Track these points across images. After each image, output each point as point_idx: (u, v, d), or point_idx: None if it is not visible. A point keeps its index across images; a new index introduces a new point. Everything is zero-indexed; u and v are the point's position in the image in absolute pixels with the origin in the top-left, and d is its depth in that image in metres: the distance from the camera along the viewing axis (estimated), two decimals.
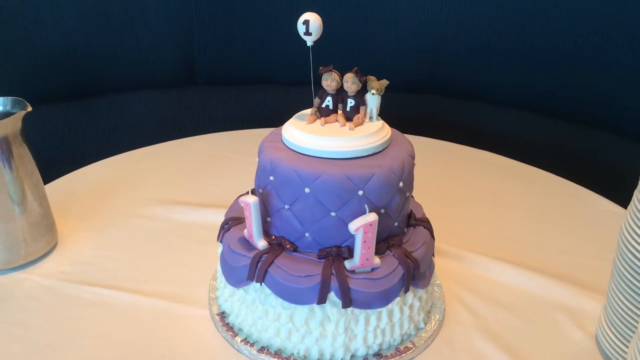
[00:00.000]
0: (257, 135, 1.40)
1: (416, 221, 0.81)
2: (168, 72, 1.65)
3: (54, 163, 1.44)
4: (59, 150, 1.48)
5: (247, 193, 0.85)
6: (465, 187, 1.20)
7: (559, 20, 1.43)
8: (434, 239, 0.81)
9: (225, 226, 0.80)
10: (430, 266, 0.80)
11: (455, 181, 1.22)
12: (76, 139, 1.51)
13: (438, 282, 0.89)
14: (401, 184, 0.73)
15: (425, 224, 0.81)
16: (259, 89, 1.70)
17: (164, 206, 1.08)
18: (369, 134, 0.73)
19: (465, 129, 1.61)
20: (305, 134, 0.73)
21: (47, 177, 1.09)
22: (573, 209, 1.13)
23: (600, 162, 1.47)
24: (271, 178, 0.73)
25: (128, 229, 1.01)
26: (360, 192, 0.70)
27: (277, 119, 1.65)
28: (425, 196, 0.91)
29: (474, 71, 1.59)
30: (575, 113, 1.51)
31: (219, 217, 1.00)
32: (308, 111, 0.78)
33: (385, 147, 0.75)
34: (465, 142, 1.43)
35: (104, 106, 1.57)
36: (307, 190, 0.70)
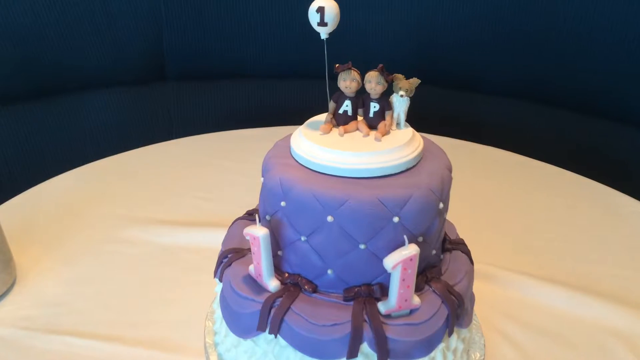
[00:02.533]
0: (243, 137, 1.27)
1: (452, 245, 0.68)
2: (134, 67, 1.49)
3: (9, 176, 1.27)
4: (14, 160, 1.31)
5: (249, 217, 0.72)
6: (476, 190, 1.08)
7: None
8: (473, 264, 0.69)
9: (224, 260, 0.66)
10: (472, 299, 0.67)
11: (463, 183, 1.09)
12: (33, 147, 1.34)
13: None
14: (441, 205, 0.60)
15: (462, 247, 0.69)
16: (236, 83, 1.55)
17: (143, 227, 0.93)
18: (400, 145, 0.60)
19: (461, 121, 1.50)
20: (323, 148, 0.59)
21: (1, 194, 0.93)
22: (598, 211, 1.02)
23: (607, 154, 1.38)
24: (282, 204, 0.59)
25: (102, 258, 0.86)
26: (396, 219, 0.57)
27: (260, 118, 1.52)
28: None
29: (470, 59, 1.47)
30: (580, 102, 1.41)
31: (208, 238, 0.88)
32: (321, 117, 0.65)
33: (419, 161, 0.62)
34: (462, 135, 1.31)
35: (63, 107, 1.40)
36: (329, 218, 0.57)
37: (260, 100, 1.52)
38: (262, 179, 0.63)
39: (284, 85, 1.51)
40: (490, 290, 0.82)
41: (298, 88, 1.55)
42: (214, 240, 0.76)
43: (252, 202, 0.72)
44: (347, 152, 0.59)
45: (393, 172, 0.59)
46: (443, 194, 0.60)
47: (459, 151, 1.22)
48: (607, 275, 0.86)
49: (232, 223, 0.72)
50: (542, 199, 1.05)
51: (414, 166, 0.61)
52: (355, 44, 1.47)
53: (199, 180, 1.07)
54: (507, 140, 1.39)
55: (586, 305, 0.80)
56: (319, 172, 0.59)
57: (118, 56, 1.45)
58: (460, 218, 0.77)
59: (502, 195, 1.06)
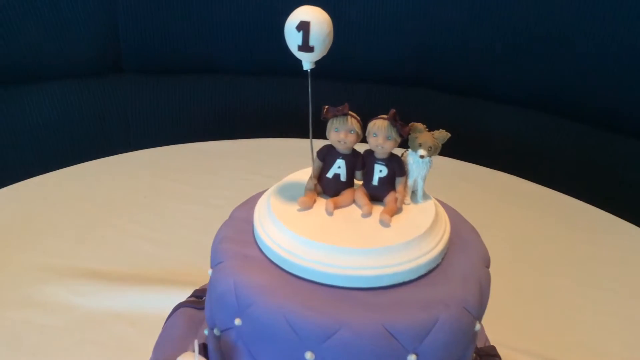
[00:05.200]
0: (206, 153, 1.03)
1: (480, 358, 0.48)
2: (83, 56, 1.28)
3: None
4: None
5: (195, 305, 0.51)
6: (484, 235, 0.88)
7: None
8: None
9: None
10: None
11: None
12: None
13: None
14: (477, 327, 0.40)
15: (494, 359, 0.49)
16: (205, 79, 1.35)
17: (67, 282, 0.71)
18: (419, 235, 0.39)
19: (462, 131, 1.31)
20: (301, 238, 0.39)
21: None
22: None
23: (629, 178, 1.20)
24: (237, 322, 0.39)
25: (4, 332, 0.64)
26: (412, 358, 0.37)
27: (231, 120, 1.32)
28: None
29: (473, 60, 1.28)
30: (598, 115, 1.23)
31: (155, 301, 0.66)
32: (301, 177, 0.44)
33: (445, 253, 0.41)
34: (462, 146, 1.11)
35: None
36: (309, 356, 0.36)
37: (232, 100, 1.32)
38: (209, 270, 0.43)
39: (259, 83, 1.32)
40: None
41: (276, 86, 1.35)
42: (163, 306, 0.58)
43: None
44: (339, 246, 0.38)
45: (408, 279, 0.39)
46: (481, 310, 0.40)
47: (464, 177, 1.02)
48: None
49: (171, 313, 0.52)
50: (574, 250, 0.85)
51: (438, 265, 0.40)
52: (346, 43, 1.26)
53: (146, 211, 0.85)
54: (515, 156, 1.22)
55: None
56: (294, 276, 0.38)
57: (64, 42, 1.23)
58: None
59: (519, 244, 0.86)
